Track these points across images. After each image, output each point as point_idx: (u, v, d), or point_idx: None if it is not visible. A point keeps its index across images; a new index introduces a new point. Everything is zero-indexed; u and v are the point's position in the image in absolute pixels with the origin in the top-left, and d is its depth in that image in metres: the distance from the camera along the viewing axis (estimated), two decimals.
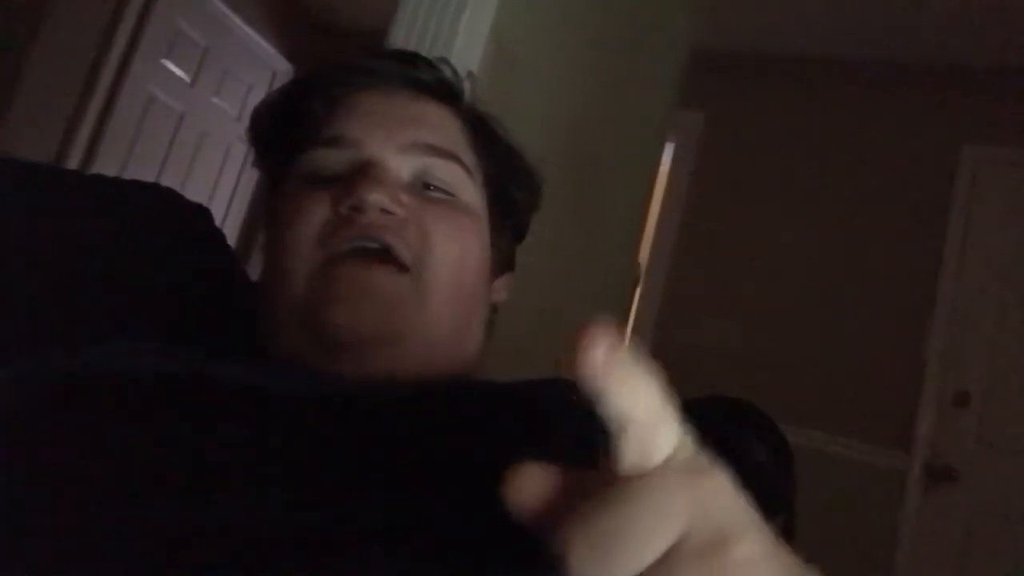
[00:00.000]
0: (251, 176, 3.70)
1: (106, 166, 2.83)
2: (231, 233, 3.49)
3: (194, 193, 0.74)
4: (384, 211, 0.53)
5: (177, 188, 0.75)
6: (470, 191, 0.60)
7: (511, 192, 0.65)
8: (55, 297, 0.63)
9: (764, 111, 3.09)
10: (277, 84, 3.96)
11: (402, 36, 1.02)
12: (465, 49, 1.03)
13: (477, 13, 1.05)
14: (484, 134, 0.64)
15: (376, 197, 0.52)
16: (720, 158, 3.12)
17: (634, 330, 3.08)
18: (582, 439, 0.37)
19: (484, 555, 0.39)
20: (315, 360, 0.53)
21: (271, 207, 0.62)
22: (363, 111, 0.59)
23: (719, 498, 0.26)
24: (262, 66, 3.70)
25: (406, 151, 0.57)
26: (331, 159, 0.57)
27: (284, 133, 0.61)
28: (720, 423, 1.14)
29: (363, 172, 0.54)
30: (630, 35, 1.73)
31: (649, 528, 0.25)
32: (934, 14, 2.63)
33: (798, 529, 1.18)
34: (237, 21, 3.48)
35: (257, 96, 3.65)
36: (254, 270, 0.77)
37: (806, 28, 2.89)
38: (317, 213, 0.54)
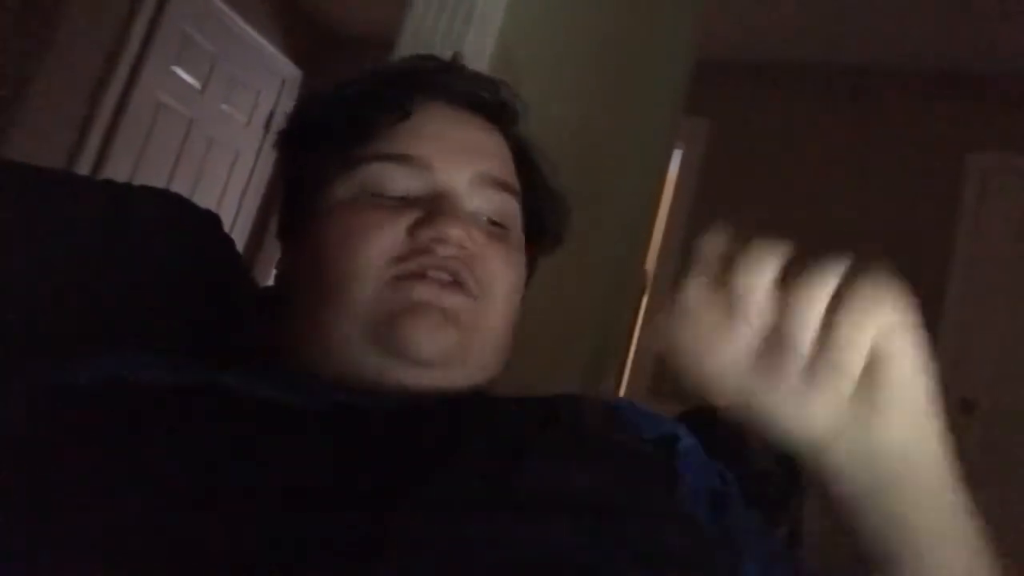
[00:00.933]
0: (260, 183, 3.71)
1: (116, 172, 2.85)
2: (239, 239, 3.50)
3: (203, 199, 0.74)
4: (460, 246, 0.54)
5: (186, 194, 0.75)
6: (518, 224, 0.62)
7: (545, 220, 0.66)
8: (64, 304, 0.63)
9: (771, 119, 3.09)
10: (286, 91, 3.97)
11: (409, 44, 1.02)
12: (472, 57, 1.04)
13: (484, 21, 1.06)
14: (528, 162, 0.65)
15: (458, 233, 0.53)
16: (727, 165, 3.12)
17: (641, 338, 3.07)
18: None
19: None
20: (375, 371, 0.53)
21: (314, 212, 0.59)
22: (433, 132, 0.58)
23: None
24: (271, 73, 3.72)
25: (476, 184, 0.58)
26: (400, 178, 0.56)
27: (339, 135, 0.60)
28: (725, 430, 1.14)
29: (441, 204, 0.55)
30: (637, 43, 1.73)
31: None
32: (940, 21, 2.63)
33: (804, 537, 1.17)
34: (246, 28, 3.50)
35: (266, 102, 3.68)
36: (262, 276, 0.77)
37: (813, 36, 2.89)
38: (389, 234, 0.54)
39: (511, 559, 0.40)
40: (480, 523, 0.41)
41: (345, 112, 0.60)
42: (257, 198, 3.70)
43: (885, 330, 0.42)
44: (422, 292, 0.53)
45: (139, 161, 3.05)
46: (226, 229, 0.76)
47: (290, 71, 3.79)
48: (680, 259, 3.08)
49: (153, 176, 3.06)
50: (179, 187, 3.08)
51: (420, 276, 0.53)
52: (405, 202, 0.56)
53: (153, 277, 0.68)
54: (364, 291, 0.53)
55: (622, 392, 2.95)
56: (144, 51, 2.94)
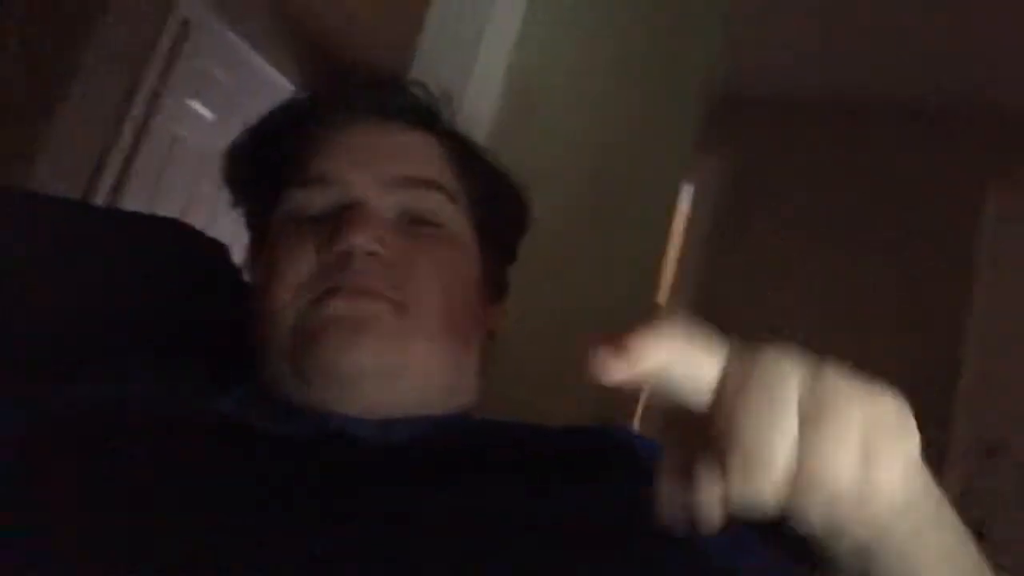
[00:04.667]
0: None
1: (133, 203, 2.88)
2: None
3: (219, 231, 0.74)
4: (371, 253, 0.53)
5: (201, 226, 0.75)
6: (455, 217, 0.59)
7: (497, 213, 0.64)
8: (70, 331, 0.63)
9: (787, 154, 3.09)
10: None
11: (420, 74, 1.02)
12: (482, 87, 1.04)
13: (494, 51, 1.06)
14: (465, 156, 0.64)
15: (362, 240, 0.52)
16: (742, 201, 3.11)
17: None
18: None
19: None
20: (309, 400, 0.52)
21: (255, 249, 0.62)
22: (340, 148, 0.58)
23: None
24: None
25: (388, 187, 0.56)
26: (313, 198, 0.57)
27: (261, 172, 0.61)
28: None
29: (347, 214, 0.54)
30: (649, 76, 1.74)
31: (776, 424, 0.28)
32: (956, 55, 2.63)
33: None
34: (263, 63, 3.55)
35: None
36: None
37: (830, 71, 2.90)
38: (303, 259, 0.54)
39: None
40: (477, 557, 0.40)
41: (259, 147, 0.62)
42: None
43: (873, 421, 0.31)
44: (332, 307, 0.51)
45: (155, 193, 3.09)
46: (241, 261, 0.76)
47: None
48: (692, 294, 3.07)
49: (168, 208, 3.09)
50: (194, 219, 3.10)
51: (334, 292, 0.52)
52: (318, 223, 0.55)
53: (159, 306, 0.68)
54: (285, 325, 0.53)
55: (636, 426, 2.92)
56: (161, 85, 2.99)
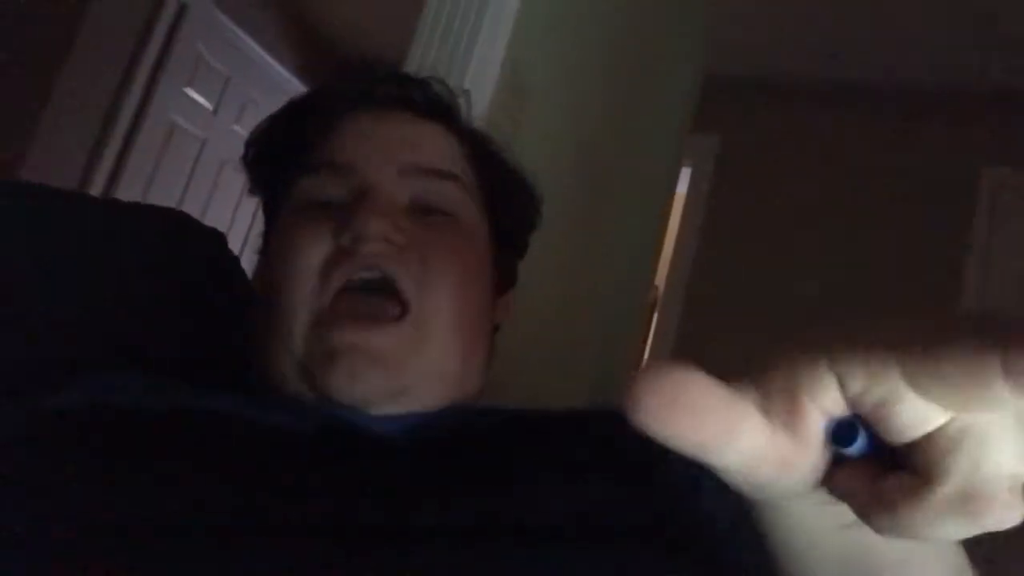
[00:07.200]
0: None
1: (129, 192, 2.87)
2: (250, 260, 3.50)
3: (215, 219, 0.74)
4: (385, 239, 0.53)
5: (198, 214, 0.75)
6: (469, 210, 0.60)
7: (511, 208, 0.65)
8: (66, 320, 0.63)
9: (781, 136, 3.08)
10: None
11: (417, 63, 1.03)
12: (479, 77, 1.04)
13: (491, 41, 1.06)
14: (481, 151, 0.64)
15: (376, 226, 0.52)
16: (737, 183, 3.11)
17: (651, 354, 3.05)
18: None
19: None
20: (313, 398, 0.52)
21: (269, 235, 0.61)
22: (358, 135, 0.58)
23: None
24: (283, 94, 3.73)
25: (404, 175, 0.57)
26: (328, 185, 0.57)
27: (280, 158, 0.61)
28: None
29: (362, 200, 0.54)
30: (644, 60, 1.74)
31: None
32: (951, 37, 2.62)
33: None
34: (259, 50, 3.53)
35: None
36: None
37: (823, 53, 2.89)
38: (318, 246, 0.54)
39: None
40: (490, 552, 0.40)
41: (279, 133, 0.62)
42: None
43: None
44: (343, 336, 0.51)
45: (151, 181, 3.08)
46: (237, 249, 0.76)
47: None
48: (690, 276, 3.07)
49: (165, 196, 3.08)
50: (191, 207, 3.09)
51: (344, 317, 0.51)
52: (333, 209, 0.55)
53: (157, 295, 0.68)
54: (297, 330, 0.52)
55: None
56: (157, 72, 2.97)
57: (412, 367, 0.52)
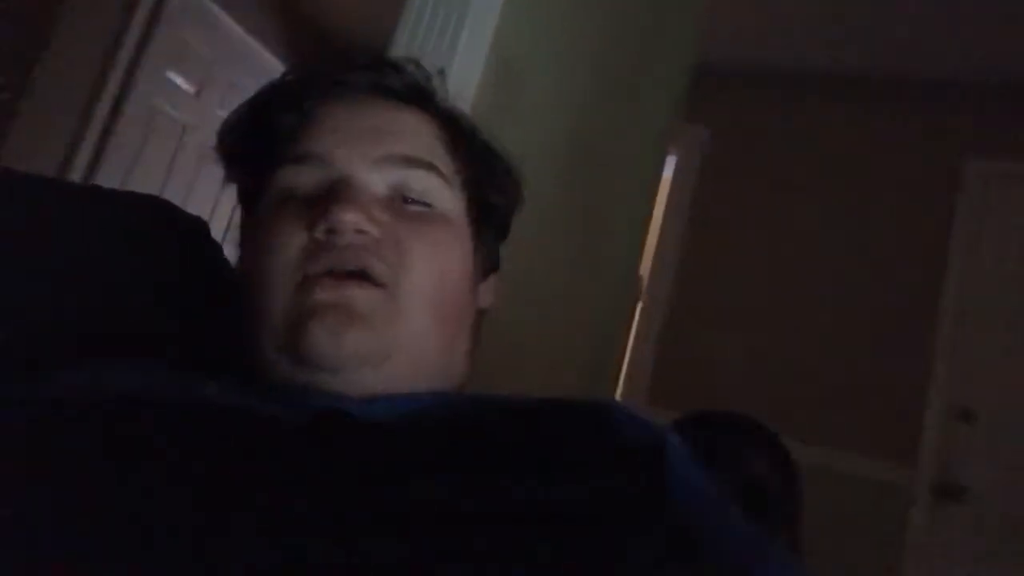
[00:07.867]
0: None
1: (110, 177, 2.84)
2: (233, 246, 3.48)
3: (197, 205, 0.74)
4: (360, 231, 0.52)
5: (180, 200, 0.74)
6: (448, 198, 0.59)
7: (491, 192, 0.64)
8: (48, 310, 0.63)
9: (768, 125, 3.09)
10: None
11: (403, 49, 1.01)
12: (466, 63, 1.03)
13: (478, 27, 1.05)
14: (460, 135, 0.63)
15: (351, 218, 0.52)
16: (723, 172, 3.12)
17: (636, 344, 3.07)
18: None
19: None
20: (300, 383, 0.52)
21: (246, 226, 0.61)
22: (332, 125, 0.58)
23: None
24: (268, 78, 3.70)
25: (379, 165, 0.56)
26: (303, 177, 0.56)
27: (254, 148, 0.61)
28: (716, 436, 1.12)
29: (336, 192, 0.54)
30: (633, 48, 1.73)
31: None
32: (938, 29, 2.63)
33: (804, 546, 1.16)
34: (242, 33, 3.49)
35: None
36: None
37: (811, 43, 2.89)
38: (294, 238, 0.53)
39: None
40: (445, 542, 0.40)
41: (252, 123, 0.61)
42: None
43: None
44: (323, 292, 0.51)
45: (133, 166, 3.04)
46: (219, 236, 0.75)
47: None
48: (675, 266, 3.08)
49: (147, 181, 3.05)
50: (173, 193, 3.06)
51: (324, 276, 0.52)
52: (309, 200, 0.55)
53: (139, 283, 0.67)
54: (276, 309, 0.53)
55: (619, 399, 2.94)
56: (139, 56, 2.93)
57: (392, 334, 0.52)
